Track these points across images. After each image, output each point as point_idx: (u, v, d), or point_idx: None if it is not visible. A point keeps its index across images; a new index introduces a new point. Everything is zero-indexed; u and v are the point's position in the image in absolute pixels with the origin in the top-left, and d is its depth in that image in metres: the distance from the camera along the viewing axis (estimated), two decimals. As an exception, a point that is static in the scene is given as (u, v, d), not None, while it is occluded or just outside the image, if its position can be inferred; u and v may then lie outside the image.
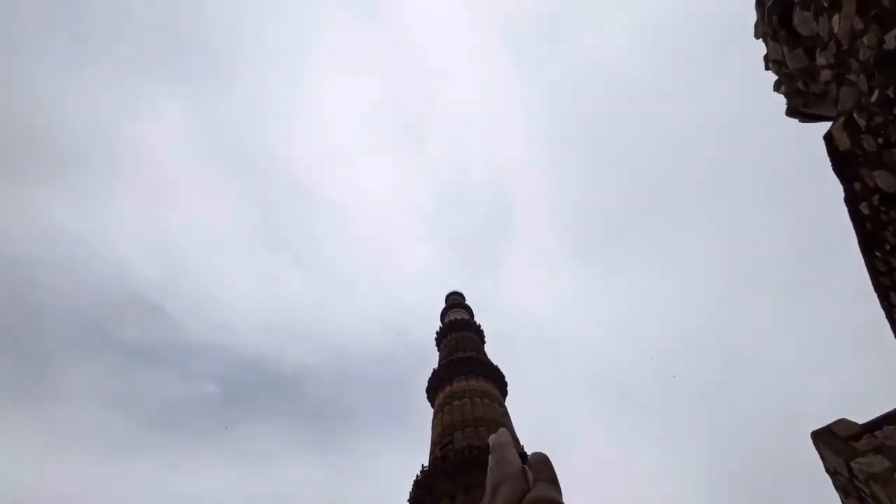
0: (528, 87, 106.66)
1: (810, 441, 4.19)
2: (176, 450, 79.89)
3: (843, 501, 4.11)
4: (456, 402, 27.40)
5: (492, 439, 0.58)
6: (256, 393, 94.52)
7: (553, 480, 0.47)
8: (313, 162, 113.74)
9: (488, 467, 0.55)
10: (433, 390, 30.72)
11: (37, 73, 76.31)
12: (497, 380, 30.21)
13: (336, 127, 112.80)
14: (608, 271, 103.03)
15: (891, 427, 3.70)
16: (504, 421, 26.46)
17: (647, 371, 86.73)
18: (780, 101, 4.43)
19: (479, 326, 37.25)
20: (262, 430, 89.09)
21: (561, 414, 79.14)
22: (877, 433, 3.72)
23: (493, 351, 33.35)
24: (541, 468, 0.49)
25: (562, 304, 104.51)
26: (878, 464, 3.48)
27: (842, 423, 3.96)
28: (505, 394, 30.69)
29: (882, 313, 4.24)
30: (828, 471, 4.04)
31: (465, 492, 20.72)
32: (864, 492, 3.65)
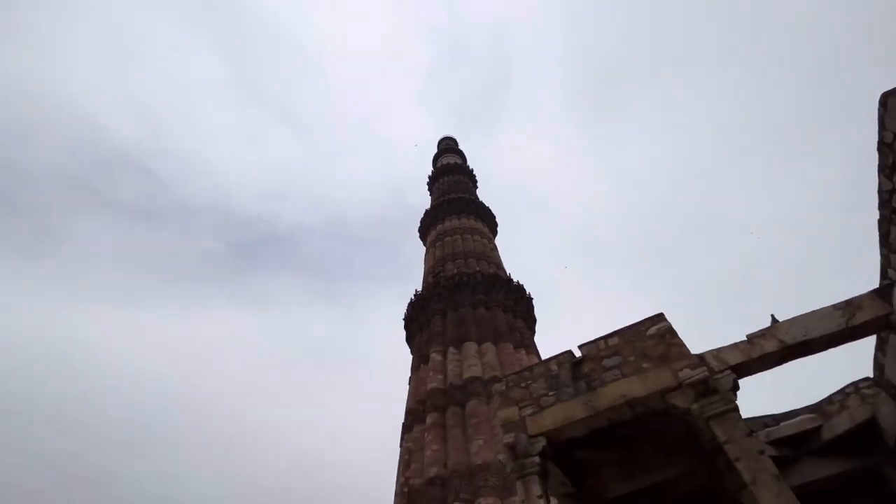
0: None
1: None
2: (186, 297, 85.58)
3: (883, 183, 3.73)
4: (448, 238, 28.15)
5: None
6: (258, 249, 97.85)
7: None
8: (294, 5, 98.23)
9: None
10: (425, 229, 31.35)
11: None
12: (487, 219, 30.70)
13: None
14: (609, 130, 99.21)
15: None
16: (493, 255, 27.56)
17: (635, 230, 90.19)
18: None
19: (472, 170, 36.53)
20: (267, 279, 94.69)
21: (545, 264, 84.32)
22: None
23: (485, 200, 33.19)
24: None
25: (558, 168, 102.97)
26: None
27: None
28: (495, 234, 31.53)
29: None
30: (883, 141, 3.60)
31: (455, 309, 22.42)
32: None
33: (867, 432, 5.47)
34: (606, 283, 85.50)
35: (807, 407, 6.23)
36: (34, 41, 74.30)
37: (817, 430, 5.85)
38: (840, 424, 5.69)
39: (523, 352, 20.89)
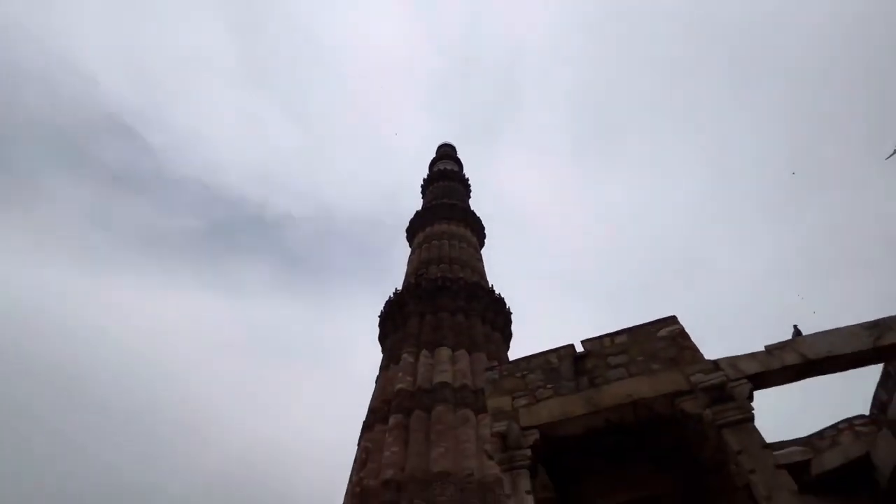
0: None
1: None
2: (158, 272, 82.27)
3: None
4: (434, 242, 27.81)
5: None
6: (239, 232, 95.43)
7: None
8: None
9: None
10: (413, 231, 30.94)
11: None
12: (476, 228, 30.51)
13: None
14: (603, 167, 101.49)
15: None
16: (477, 265, 27.30)
17: (612, 265, 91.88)
18: None
19: (467, 179, 36.45)
20: (244, 265, 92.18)
21: (525, 283, 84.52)
22: None
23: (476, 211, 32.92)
24: None
25: (549, 193, 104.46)
26: None
27: None
28: (482, 244, 31.35)
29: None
30: None
31: (433, 312, 21.95)
32: None
33: (859, 470, 5.30)
34: (584, 315, 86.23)
35: (797, 439, 6.07)
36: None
37: (807, 463, 5.65)
38: (831, 460, 5.49)
39: (496, 364, 20.56)
